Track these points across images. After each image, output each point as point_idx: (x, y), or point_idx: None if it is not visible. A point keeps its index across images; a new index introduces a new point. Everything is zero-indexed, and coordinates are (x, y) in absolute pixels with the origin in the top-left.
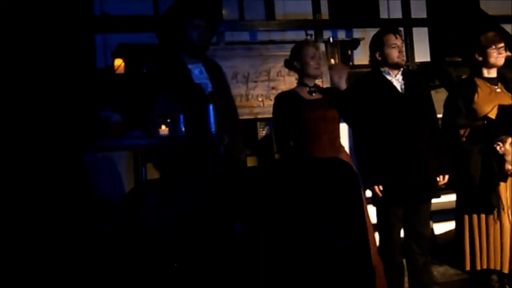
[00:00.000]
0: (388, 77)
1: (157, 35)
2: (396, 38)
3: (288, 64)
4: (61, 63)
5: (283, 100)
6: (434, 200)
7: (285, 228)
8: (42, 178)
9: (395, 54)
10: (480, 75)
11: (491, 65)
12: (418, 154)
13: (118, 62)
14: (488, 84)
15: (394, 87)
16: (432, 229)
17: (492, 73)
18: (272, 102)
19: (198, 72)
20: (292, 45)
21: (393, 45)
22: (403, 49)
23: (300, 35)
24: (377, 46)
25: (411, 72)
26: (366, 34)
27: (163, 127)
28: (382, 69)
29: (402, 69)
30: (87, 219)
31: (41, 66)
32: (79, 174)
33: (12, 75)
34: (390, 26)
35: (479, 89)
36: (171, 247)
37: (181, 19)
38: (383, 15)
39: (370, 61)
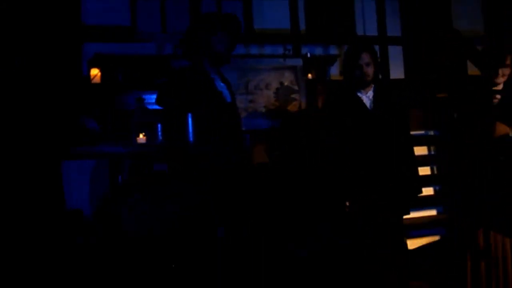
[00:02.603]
0: (359, 94)
1: (181, 46)
2: (360, 57)
3: None
4: (46, 70)
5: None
6: (411, 215)
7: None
8: (15, 185)
9: (358, 74)
10: None
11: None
12: (385, 172)
13: (95, 72)
14: None
15: (363, 105)
16: (406, 244)
17: None
18: (250, 115)
19: (219, 81)
20: (270, 60)
21: (358, 65)
22: (368, 67)
23: (278, 50)
24: (345, 63)
25: (385, 89)
26: (342, 51)
27: (141, 135)
28: (353, 86)
29: (373, 86)
30: (57, 230)
31: (28, 73)
32: (52, 183)
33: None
34: (357, 44)
35: None
36: (155, 247)
37: (207, 32)
38: (359, 32)
39: (343, 76)
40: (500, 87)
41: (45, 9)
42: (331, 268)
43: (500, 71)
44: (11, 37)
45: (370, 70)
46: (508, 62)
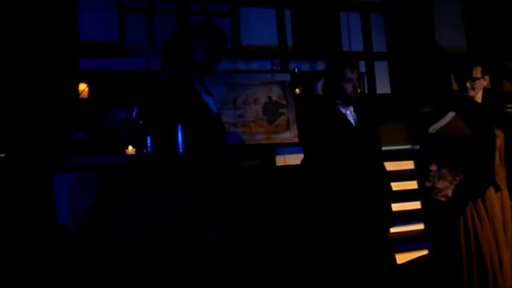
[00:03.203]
0: (343, 110)
1: (163, 57)
2: (352, 72)
3: None
4: (40, 80)
5: None
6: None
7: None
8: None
9: (350, 88)
10: None
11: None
12: (371, 187)
13: (82, 87)
14: None
15: (348, 121)
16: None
17: None
18: (238, 130)
19: (204, 93)
20: (258, 75)
21: (348, 79)
22: (357, 82)
23: (265, 66)
24: (333, 78)
25: (363, 104)
26: None
27: (130, 147)
28: (336, 101)
29: None
30: (44, 249)
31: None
32: (40, 196)
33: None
34: (347, 59)
35: None
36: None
37: (187, 40)
38: (345, 48)
39: (323, 91)
40: (478, 99)
41: (44, 22)
42: (330, 267)
43: (469, 84)
44: (11, 38)
45: (357, 85)
46: (476, 75)
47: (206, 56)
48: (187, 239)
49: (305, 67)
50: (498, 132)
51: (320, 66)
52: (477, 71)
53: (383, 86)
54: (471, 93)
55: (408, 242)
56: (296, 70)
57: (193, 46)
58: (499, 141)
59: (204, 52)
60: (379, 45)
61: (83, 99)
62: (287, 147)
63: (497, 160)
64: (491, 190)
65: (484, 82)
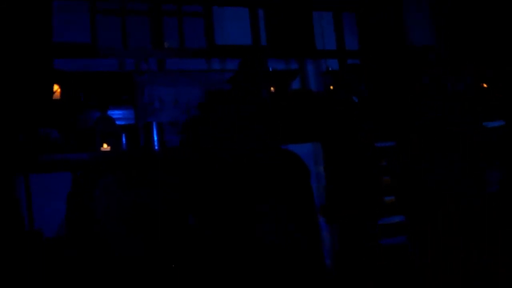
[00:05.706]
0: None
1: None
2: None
3: None
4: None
5: None
6: None
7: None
8: None
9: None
10: None
11: None
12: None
13: (55, 88)
14: None
15: (349, 116)
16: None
17: None
18: None
19: None
20: (232, 75)
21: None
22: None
23: None
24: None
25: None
26: (303, 66)
27: (105, 145)
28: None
29: None
30: (14, 256)
31: None
32: (7, 199)
33: None
34: (354, 68)
35: None
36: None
37: None
38: (319, 47)
39: (326, 90)
40: None
41: (17, 24)
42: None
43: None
44: None
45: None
46: None
47: None
48: (167, 225)
49: (280, 66)
50: None
51: (294, 65)
52: None
53: None
54: None
55: (382, 237)
56: (270, 69)
57: None
58: None
59: None
60: (352, 43)
61: (56, 100)
62: None
63: None
64: None
65: None
